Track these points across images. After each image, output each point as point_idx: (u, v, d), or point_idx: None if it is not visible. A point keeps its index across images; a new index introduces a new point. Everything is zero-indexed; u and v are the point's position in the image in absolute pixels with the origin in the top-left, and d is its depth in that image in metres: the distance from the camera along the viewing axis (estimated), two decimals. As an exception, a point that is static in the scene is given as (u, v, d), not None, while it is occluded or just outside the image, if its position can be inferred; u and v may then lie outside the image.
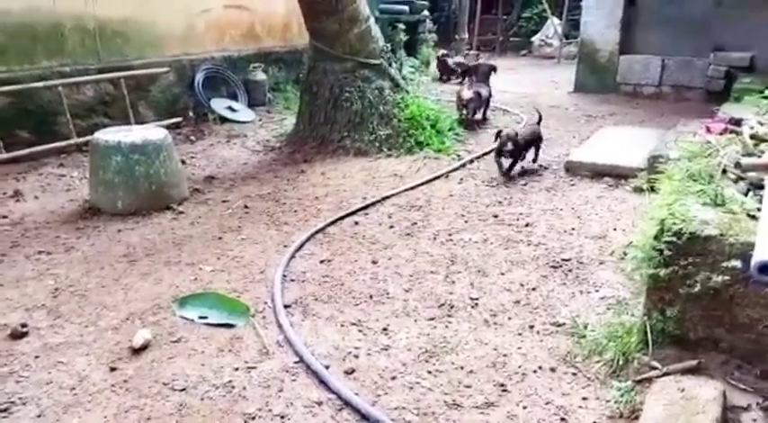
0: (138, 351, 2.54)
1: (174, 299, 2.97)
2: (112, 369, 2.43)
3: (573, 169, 5.04)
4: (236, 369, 2.44)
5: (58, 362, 2.49)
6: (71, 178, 4.93)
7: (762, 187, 2.41)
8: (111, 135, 4.17)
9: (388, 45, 6.12)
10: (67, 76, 5.56)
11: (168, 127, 5.33)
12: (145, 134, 4.23)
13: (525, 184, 4.76)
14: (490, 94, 6.96)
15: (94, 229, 3.90)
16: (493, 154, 5.07)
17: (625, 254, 3.25)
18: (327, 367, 2.43)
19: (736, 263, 2.07)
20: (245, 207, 4.31)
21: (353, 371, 2.43)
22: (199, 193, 4.62)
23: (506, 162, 4.91)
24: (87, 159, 4.43)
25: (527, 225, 3.95)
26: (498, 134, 4.82)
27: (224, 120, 6.84)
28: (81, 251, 3.56)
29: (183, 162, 5.24)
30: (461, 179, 4.93)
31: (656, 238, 2.26)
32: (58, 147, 5.39)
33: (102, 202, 4.18)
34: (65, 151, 5.46)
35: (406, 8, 9.86)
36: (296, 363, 2.47)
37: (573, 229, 3.89)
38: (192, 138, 6.27)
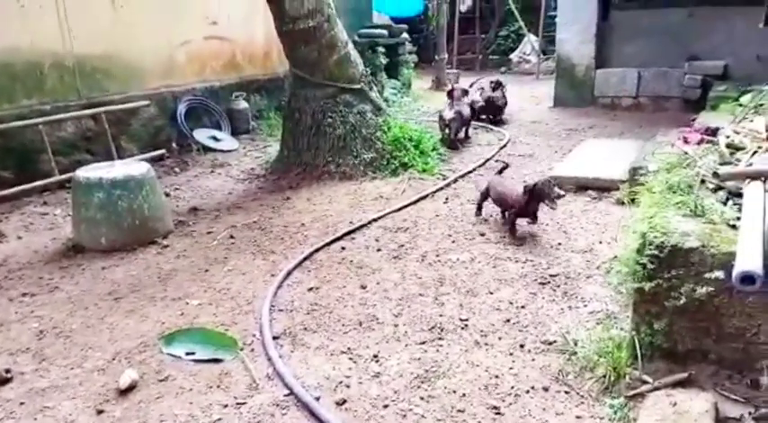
0: (125, 392, 2.49)
1: (160, 336, 2.93)
2: (99, 412, 2.38)
3: (556, 184, 5.06)
4: (226, 405, 2.39)
5: (44, 407, 2.43)
6: (54, 216, 4.88)
7: (740, 195, 2.44)
8: (92, 171, 4.14)
9: (368, 69, 6.18)
10: (48, 113, 5.54)
11: (151, 160, 5.33)
12: (127, 169, 4.21)
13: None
14: (471, 114, 7.03)
15: (78, 267, 3.85)
16: (507, 215, 4.24)
17: (611, 267, 3.27)
18: (318, 399, 2.39)
19: (719, 273, 2.08)
20: (231, 237, 4.29)
21: (345, 401, 2.39)
22: (184, 225, 4.59)
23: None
24: (70, 196, 4.39)
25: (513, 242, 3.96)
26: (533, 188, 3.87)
27: (208, 149, 6.84)
28: (65, 291, 3.51)
29: (168, 194, 5.22)
30: (447, 199, 4.95)
31: (638, 251, 2.27)
32: (40, 185, 5.35)
33: (85, 239, 4.13)
34: (47, 189, 5.41)
35: (385, 32, 9.96)
36: (286, 396, 2.43)
37: (559, 243, 3.91)
38: (176, 169, 6.24)
